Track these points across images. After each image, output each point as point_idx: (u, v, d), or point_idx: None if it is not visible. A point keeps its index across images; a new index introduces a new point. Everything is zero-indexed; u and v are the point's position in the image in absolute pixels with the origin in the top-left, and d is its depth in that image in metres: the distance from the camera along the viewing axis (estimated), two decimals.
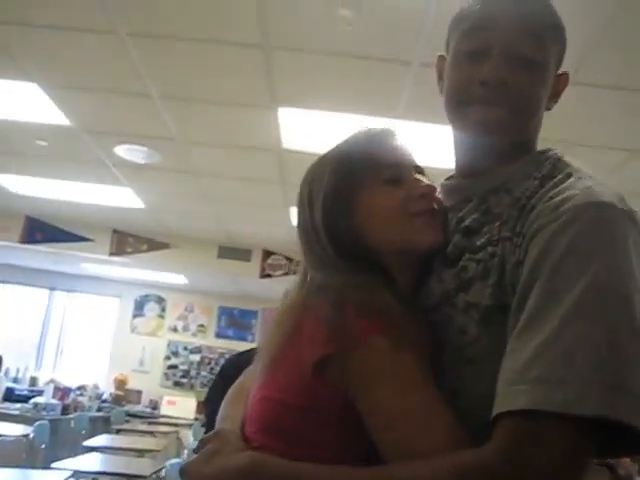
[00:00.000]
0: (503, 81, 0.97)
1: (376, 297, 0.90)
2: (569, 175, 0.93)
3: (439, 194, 1.08)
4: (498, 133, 1.00)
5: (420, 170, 1.06)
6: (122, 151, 4.98)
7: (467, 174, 1.08)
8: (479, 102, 0.99)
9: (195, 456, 0.95)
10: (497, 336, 0.86)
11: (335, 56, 3.15)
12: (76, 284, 10.08)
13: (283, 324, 0.97)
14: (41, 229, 7.48)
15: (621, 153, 3.96)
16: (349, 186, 1.01)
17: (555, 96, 1.07)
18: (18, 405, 7.25)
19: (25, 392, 8.01)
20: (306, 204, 1.04)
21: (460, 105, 1.02)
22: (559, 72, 1.07)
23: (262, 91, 3.64)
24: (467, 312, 0.92)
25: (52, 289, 10.18)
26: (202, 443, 0.97)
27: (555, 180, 0.93)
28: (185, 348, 9.88)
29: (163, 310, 10.07)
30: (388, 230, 1.00)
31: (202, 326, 9.98)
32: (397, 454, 0.84)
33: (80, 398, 8.20)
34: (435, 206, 1.04)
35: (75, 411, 7.61)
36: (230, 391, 1.16)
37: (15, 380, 8.66)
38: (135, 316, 10.06)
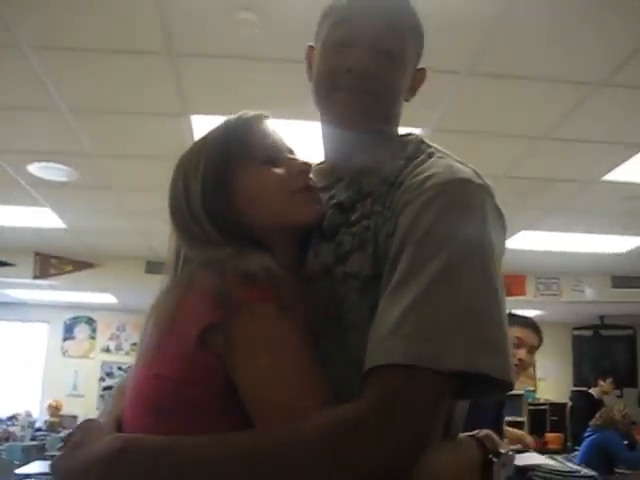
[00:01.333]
0: (367, 70, 1.06)
1: (259, 265, 0.91)
2: (431, 155, 1.04)
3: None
4: (362, 118, 1.08)
5: (292, 152, 1.11)
6: (36, 169, 4.85)
7: (337, 158, 1.16)
8: (344, 88, 1.07)
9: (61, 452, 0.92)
10: (374, 303, 0.92)
11: (243, 60, 3.17)
12: (1, 312, 9.76)
13: (166, 301, 0.97)
14: None
15: None
16: (226, 168, 1.03)
17: (414, 89, 1.18)
18: None
19: None
20: (181, 190, 1.05)
21: (328, 92, 1.10)
22: (418, 67, 1.18)
23: (173, 99, 3.63)
24: (345, 282, 0.97)
25: None
26: (67, 438, 0.94)
27: (418, 160, 1.03)
28: (119, 368, 9.68)
29: (94, 331, 9.88)
30: (270, 208, 1.03)
31: (135, 344, 9.78)
32: (270, 421, 0.85)
33: (12, 428, 7.93)
34: (312, 183, 1.09)
35: (7, 442, 7.36)
36: (113, 391, 1.16)
37: None
38: (65, 339, 9.83)
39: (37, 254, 7.42)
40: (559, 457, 3.76)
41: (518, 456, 3.49)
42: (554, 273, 7.93)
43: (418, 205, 0.92)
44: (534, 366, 10.42)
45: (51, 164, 4.77)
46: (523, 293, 7.83)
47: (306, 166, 1.08)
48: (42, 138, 4.35)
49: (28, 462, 6.76)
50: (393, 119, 1.16)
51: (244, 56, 3.15)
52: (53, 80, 3.50)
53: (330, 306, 0.97)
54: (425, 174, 0.97)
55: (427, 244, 0.89)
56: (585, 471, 3.31)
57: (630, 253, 6.86)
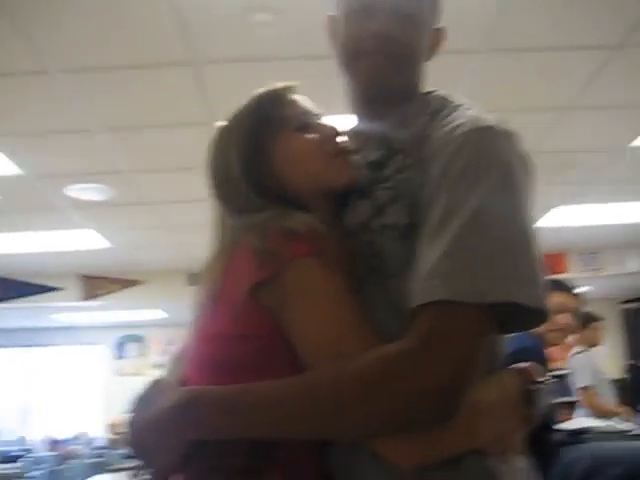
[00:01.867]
0: (391, 34, 1.12)
1: (301, 222, 0.97)
2: (455, 108, 1.09)
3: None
4: (388, 80, 1.13)
5: (321, 118, 1.16)
6: (75, 191, 5.02)
7: (365, 120, 1.20)
8: (372, 52, 1.12)
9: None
10: (412, 251, 0.97)
11: (263, 61, 3.25)
12: (52, 337, 10.00)
13: (215, 268, 1.03)
14: (6, 286, 7.43)
15: None
16: (262, 136, 1.09)
17: (433, 48, 1.23)
18: (8, 465, 7.17)
19: (15, 452, 7.93)
20: (220, 160, 1.11)
21: (355, 56, 1.15)
22: (437, 27, 1.22)
23: (199, 108, 3.73)
24: (384, 233, 1.03)
25: (27, 346, 10.08)
26: (138, 398, 1.01)
27: (443, 113, 1.08)
28: None
29: (145, 348, 10.04)
30: (306, 171, 1.09)
31: None
32: (322, 364, 0.91)
33: (72, 448, 8.12)
34: (344, 145, 1.15)
35: (71, 460, 7.54)
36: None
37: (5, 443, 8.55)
38: (117, 359, 10.02)
39: (83, 276, 7.60)
40: (612, 420, 3.74)
41: (570, 421, 3.50)
42: (594, 247, 7.83)
43: (447, 154, 0.98)
44: None
45: (88, 185, 4.92)
46: (565, 270, 7.75)
47: (335, 129, 1.14)
48: (77, 160, 4.49)
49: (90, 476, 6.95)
50: (416, 78, 1.20)
51: (263, 58, 3.23)
52: (82, 101, 3.64)
53: (370, 257, 1.03)
54: (452, 125, 1.02)
55: (459, 190, 0.94)
56: (639, 429, 3.30)
57: None
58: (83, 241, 6.38)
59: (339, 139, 1.14)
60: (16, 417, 9.85)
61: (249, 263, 0.95)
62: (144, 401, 0.97)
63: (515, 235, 0.93)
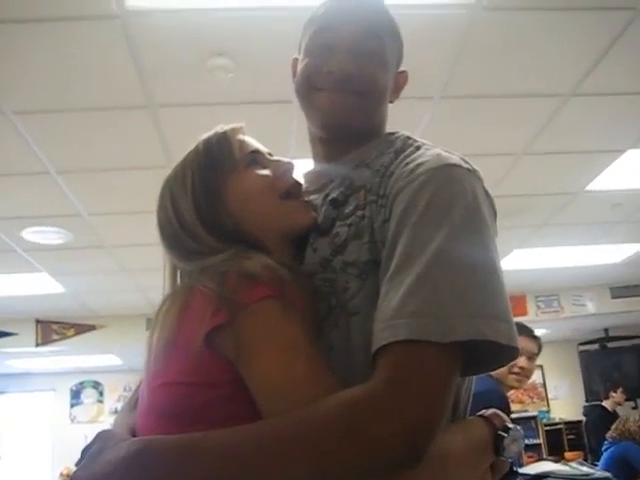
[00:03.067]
0: (348, 72, 1.11)
1: (259, 264, 0.93)
2: (418, 147, 1.08)
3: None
4: (346, 117, 1.13)
5: (272, 155, 1.15)
6: (31, 234, 4.92)
7: (326, 161, 1.19)
8: (327, 89, 1.12)
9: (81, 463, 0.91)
10: (375, 288, 0.95)
11: (221, 105, 3.27)
12: (6, 385, 9.70)
13: (169, 312, 0.98)
14: None
15: None
16: (214, 177, 1.06)
17: (397, 91, 1.24)
18: None
19: None
20: (170, 209, 1.08)
21: (310, 91, 1.15)
22: (400, 70, 1.24)
23: (156, 151, 3.71)
24: (345, 271, 1.00)
25: None
26: (84, 451, 0.93)
27: (407, 152, 1.07)
28: None
29: (101, 394, 9.81)
30: (262, 209, 1.07)
31: None
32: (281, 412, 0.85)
33: None
34: (298, 181, 1.14)
35: None
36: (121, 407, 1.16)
37: None
38: (73, 405, 9.75)
39: (38, 321, 7.42)
40: (572, 463, 3.74)
41: (531, 465, 3.48)
42: (553, 290, 7.94)
43: (411, 190, 0.96)
44: (545, 386, 10.37)
45: (45, 228, 4.84)
46: (524, 313, 7.83)
47: (290, 165, 1.13)
48: (34, 202, 4.42)
49: None
50: (379, 118, 1.20)
51: (221, 102, 3.24)
52: (39, 143, 3.59)
53: (332, 296, 1.00)
54: (415, 162, 1.00)
55: (423, 226, 0.92)
56: (599, 473, 3.30)
57: (627, 261, 6.90)
58: (38, 285, 6.24)
59: (291, 173, 1.13)
60: None
61: (204, 308, 0.91)
62: (91, 454, 0.90)
63: (482, 272, 0.91)
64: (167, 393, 0.94)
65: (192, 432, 0.87)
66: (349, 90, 1.11)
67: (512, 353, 0.91)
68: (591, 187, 4.74)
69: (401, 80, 1.24)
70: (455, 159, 1.00)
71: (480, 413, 1.05)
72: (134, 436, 0.96)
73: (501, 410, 1.06)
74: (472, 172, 1.00)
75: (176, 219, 1.07)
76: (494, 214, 1.03)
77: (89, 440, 0.94)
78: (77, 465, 0.90)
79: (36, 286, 6.26)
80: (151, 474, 0.83)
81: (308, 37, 1.18)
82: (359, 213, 1.03)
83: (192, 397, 0.91)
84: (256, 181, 1.08)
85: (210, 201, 1.06)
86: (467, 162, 1.02)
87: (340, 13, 1.16)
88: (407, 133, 1.16)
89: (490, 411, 1.05)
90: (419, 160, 1.00)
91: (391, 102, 1.23)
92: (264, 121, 3.23)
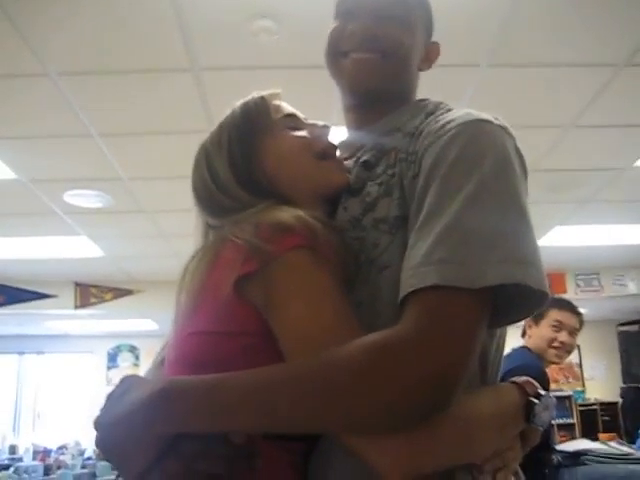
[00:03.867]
0: (370, 31, 1.13)
1: (291, 215, 0.93)
2: (449, 110, 1.07)
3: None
4: (371, 78, 1.13)
5: (307, 119, 1.16)
6: (72, 197, 4.97)
7: (358, 128, 1.19)
8: (352, 50, 1.13)
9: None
10: (404, 241, 0.94)
11: (264, 69, 3.23)
12: (45, 345, 9.96)
13: (199, 263, 0.98)
14: (0, 291, 7.38)
15: None
16: (251, 138, 1.08)
17: (428, 61, 1.24)
18: None
19: (5, 461, 7.82)
20: (204, 167, 1.10)
21: (336, 57, 1.16)
22: (432, 41, 1.24)
23: (198, 115, 3.69)
24: (376, 227, 1.00)
25: (21, 353, 10.02)
26: (108, 397, 0.91)
27: (437, 113, 1.07)
28: None
29: (137, 358, 9.99)
30: (298, 169, 1.08)
31: None
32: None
33: (62, 457, 8.01)
34: (334, 144, 1.14)
35: (59, 469, 7.45)
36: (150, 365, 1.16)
37: None
38: (110, 368, 9.96)
39: (77, 284, 7.55)
40: (612, 442, 3.69)
41: (568, 443, 3.44)
42: (594, 268, 7.81)
43: (441, 144, 0.95)
44: (581, 366, 10.25)
45: (85, 191, 4.88)
46: (563, 291, 7.72)
47: (326, 127, 1.13)
48: (75, 165, 4.45)
49: None
50: (407, 83, 1.20)
51: (265, 66, 3.21)
52: (82, 105, 3.59)
53: (361, 254, 0.99)
54: (445, 119, 0.99)
55: (453, 177, 0.91)
56: (639, 454, 3.24)
57: None
58: (77, 249, 6.33)
59: (327, 136, 1.13)
60: (8, 425, 9.76)
61: (235, 257, 0.91)
62: (114, 397, 0.89)
63: (512, 219, 0.89)
64: (195, 342, 0.94)
65: None
66: (372, 49, 1.12)
67: (542, 299, 0.89)
68: (639, 163, 4.60)
69: (433, 51, 1.24)
70: (486, 115, 0.98)
71: (512, 379, 1.03)
72: None
73: (540, 384, 1.03)
74: (504, 129, 0.98)
75: (210, 178, 1.08)
76: (525, 172, 1.00)
77: None
78: (101, 409, 0.90)
79: (76, 249, 6.35)
80: (176, 411, 0.82)
81: (334, 8, 1.20)
82: (389, 172, 1.03)
83: (220, 346, 0.91)
84: (292, 141, 1.10)
85: (245, 160, 1.07)
86: (498, 119, 1.00)
87: None
88: (437, 100, 1.15)
89: (523, 378, 1.02)
90: (449, 117, 1.00)
91: (421, 70, 1.23)
92: (307, 86, 3.20)
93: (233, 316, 0.91)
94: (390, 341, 0.81)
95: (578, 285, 7.88)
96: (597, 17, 2.93)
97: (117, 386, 0.91)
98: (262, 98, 1.13)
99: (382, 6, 1.14)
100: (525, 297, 0.88)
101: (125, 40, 3.03)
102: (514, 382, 1.00)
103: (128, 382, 0.91)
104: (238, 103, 1.15)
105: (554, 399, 1.00)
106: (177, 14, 2.83)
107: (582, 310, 3.29)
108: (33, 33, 2.93)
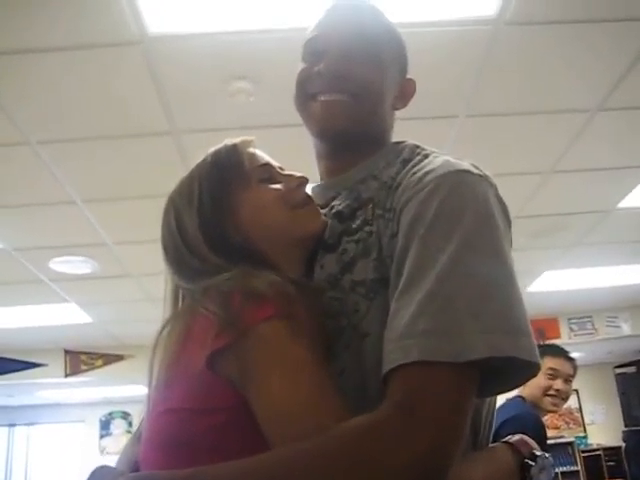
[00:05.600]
0: (338, 73, 1.07)
1: (266, 282, 0.88)
2: (426, 155, 1.03)
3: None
4: (341, 121, 1.07)
5: (283, 170, 1.10)
6: (58, 264, 4.94)
7: (332, 174, 1.15)
8: (320, 92, 1.08)
9: None
10: (383, 306, 0.89)
11: (242, 130, 3.21)
12: (36, 415, 9.77)
13: (170, 336, 0.94)
14: None
15: None
16: (223, 192, 1.02)
17: (403, 98, 1.18)
18: None
19: None
20: (173, 225, 1.04)
21: (305, 99, 1.12)
22: (407, 77, 1.19)
23: (180, 177, 3.68)
24: (354, 290, 0.95)
25: (12, 425, 9.81)
26: None
27: (414, 161, 1.02)
28: None
29: (130, 425, 9.77)
30: (274, 224, 1.02)
31: None
32: (288, 440, 0.80)
33: None
34: (309, 196, 1.09)
35: None
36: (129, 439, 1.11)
37: None
38: (102, 436, 9.74)
39: (66, 351, 7.44)
40: None
41: None
42: (586, 311, 7.76)
43: (419, 200, 0.90)
44: (581, 411, 10.12)
45: (71, 257, 4.85)
46: (557, 336, 7.65)
47: (303, 179, 1.08)
48: (60, 232, 4.43)
49: None
50: (381, 125, 1.15)
51: (244, 126, 3.22)
52: (64, 173, 3.61)
53: (342, 316, 0.94)
54: (423, 171, 0.95)
55: (433, 237, 0.86)
56: None
57: None
58: (66, 315, 6.26)
59: (304, 188, 1.08)
60: None
61: (206, 331, 0.86)
62: None
63: (498, 283, 0.84)
64: (169, 420, 0.89)
65: (194, 461, 0.82)
66: (341, 90, 1.07)
67: (533, 369, 0.84)
68: (623, 204, 4.63)
69: (408, 87, 1.19)
70: (465, 165, 0.94)
71: (505, 439, 0.98)
72: (137, 469, 0.92)
73: (536, 435, 1.00)
74: (483, 178, 0.94)
75: (179, 235, 1.02)
76: (508, 222, 0.96)
77: None
78: None
79: (64, 316, 6.28)
80: None
81: (302, 47, 1.16)
82: (367, 229, 0.98)
83: (194, 424, 0.86)
84: (268, 194, 1.04)
85: (217, 214, 1.01)
86: (478, 168, 0.96)
87: (332, 20, 1.14)
88: (415, 142, 1.11)
89: (516, 437, 0.98)
90: (427, 168, 0.95)
91: (396, 109, 1.18)
92: (286, 145, 3.22)
93: (206, 392, 0.86)
94: (369, 428, 0.77)
95: (571, 329, 7.82)
96: (570, 64, 2.99)
97: (91, 477, 0.88)
98: (235, 146, 1.08)
99: (350, 45, 1.08)
100: (516, 367, 0.82)
101: (104, 107, 3.05)
102: (507, 442, 0.96)
103: (99, 475, 0.87)
104: (209, 151, 1.09)
105: (551, 459, 0.95)
106: (154, 80, 2.86)
107: (577, 354, 3.27)
108: (12, 103, 2.95)
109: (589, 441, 9.90)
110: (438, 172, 0.92)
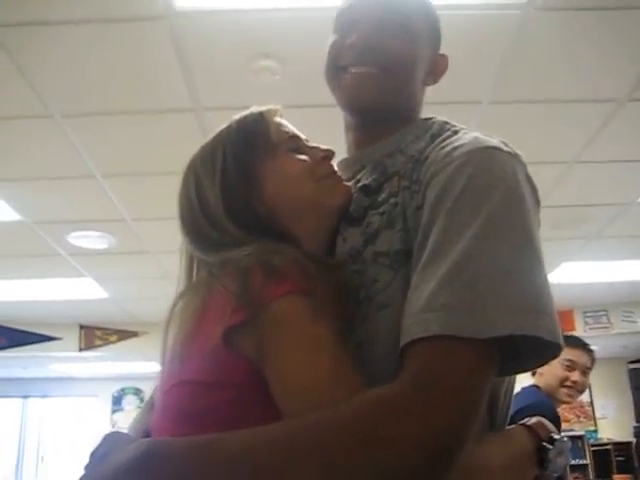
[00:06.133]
0: (370, 45, 1.06)
1: (285, 258, 0.86)
2: (456, 132, 1.00)
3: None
4: (371, 94, 1.06)
5: (309, 141, 1.08)
6: (76, 239, 4.97)
7: (359, 147, 1.13)
8: (351, 64, 1.07)
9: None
10: (406, 279, 0.88)
11: None
12: (50, 388, 9.87)
13: (187, 309, 0.92)
14: (4, 334, 7.33)
15: None
16: (249, 159, 0.99)
17: (434, 74, 1.16)
18: None
19: None
20: (193, 191, 1.01)
21: (336, 71, 1.10)
22: (439, 53, 1.17)
23: None
24: (376, 261, 0.93)
25: (25, 397, 9.93)
26: (92, 454, 0.85)
27: (444, 136, 1.00)
28: None
29: (142, 401, 9.86)
30: (300, 194, 1.00)
31: None
32: (302, 413, 0.79)
33: None
34: (336, 168, 1.08)
35: None
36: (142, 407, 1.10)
37: None
38: (114, 411, 9.84)
39: (81, 326, 7.50)
40: None
41: None
42: (602, 305, 7.71)
43: (446, 174, 0.88)
44: (592, 405, 10.08)
45: (90, 232, 4.87)
46: (572, 329, 7.61)
47: (329, 152, 1.06)
48: (79, 206, 4.45)
49: None
50: (411, 100, 1.13)
51: (266, 105, 3.21)
52: (85, 147, 3.61)
53: (362, 288, 0.92)
54: (452, 145, 0.93)
55: (459, 212, 0.84)
56: None
57: None
58: (82, 290, 6.31)
59: (330, 160, 1.06)
60: (11, 469, 9.62)
61: (223, 306, 0.84)
62: (96, 458, 0.83)
63: (524, 261, 0.82)
64: (182, 392, 0.88)
65: (205, 432, 0.81)
66: (372, 63, 1.05)
67: (555, 350, 0.83)
68: None
69: (440, 63, 1.16)
70: (495, 142, 0.92)
71: (523, 422, 0.97)
72: (148, 437, 0.91)
73: (552, 424, 0.98)
74: (513, 155, 0.92)
75: (199, 205, 0.99)
76: (537, 202, 0.94)
77: None
78: (85, 468, 0.84)
79: (80, 291, 6.33)
80: (158, 477, 0.77)
81: (334, 18, 1.14)
82: (392, 201, 0.96)
83: (207, 397, 0.85)
84: (295, 165, 1.01)
85: (241, 183, 0.98)
86: (508, 145, 0.94)
87: None
88: (445, 118, 1.08)
89: (534, 419, 0.97)
90: (456, 143, 0.93)
91: (427, 84, 1.16)
92: (310, 125, 3.20)
93: (221, 367, 0.85)
94: (384, 400, 0.75)
95: (587, 322, 7.78)
96: (598, 52, 2.94)
97: (100, 444, 0.86)
98: (261, 115, 1.05)
99: (383, 17, 1.06)
100: (537, 347, 0.81)
101: (128, 81, 3.05)
102: (525, 425, 0.95)
103: (111, 440, 0.86)
104: (234, 118, 1.06)
105: (569, 443, 0.94)
106: (179, 55, 2.86)
107: (592, 347, 3.23)
108: (37, 76, 2.96)
109: (599, 435, 9.88)
110: (467, 147, 0.91)
